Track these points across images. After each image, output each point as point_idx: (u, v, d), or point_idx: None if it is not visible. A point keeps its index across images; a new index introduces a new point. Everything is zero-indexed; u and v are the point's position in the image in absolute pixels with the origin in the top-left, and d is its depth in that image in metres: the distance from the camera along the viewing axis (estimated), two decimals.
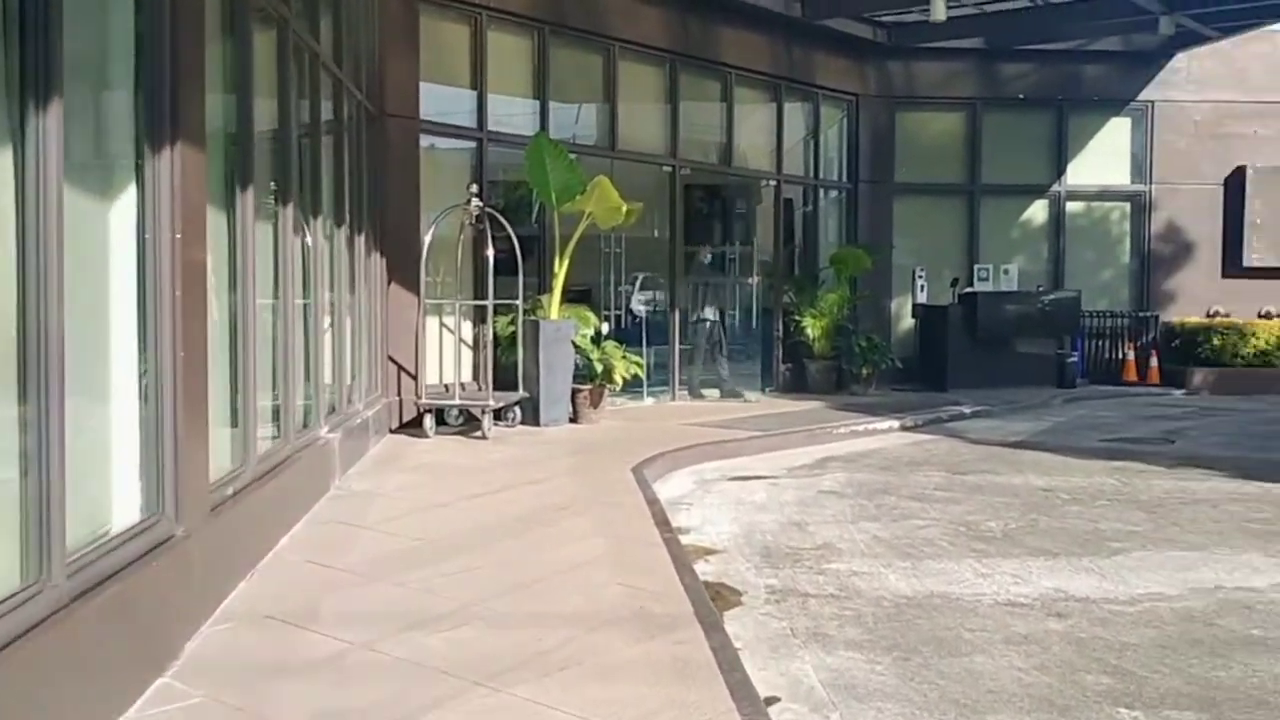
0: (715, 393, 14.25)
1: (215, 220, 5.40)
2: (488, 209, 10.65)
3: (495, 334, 11.21)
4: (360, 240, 9.55)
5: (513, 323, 11.15)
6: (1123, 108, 16.79)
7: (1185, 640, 4.95)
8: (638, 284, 14.78)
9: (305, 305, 7.44)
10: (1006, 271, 16.34)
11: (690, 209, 13.91)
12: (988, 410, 13.36)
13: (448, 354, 11.15)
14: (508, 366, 11.19)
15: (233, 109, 5.80)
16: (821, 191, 15.92)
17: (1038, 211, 16.97)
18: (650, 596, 5.04)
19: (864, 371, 14.52)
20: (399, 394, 10.61)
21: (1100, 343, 16.58)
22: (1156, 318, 16.63)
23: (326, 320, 8.15)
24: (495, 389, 10.91)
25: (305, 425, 7.27)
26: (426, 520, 6.63)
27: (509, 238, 10.60)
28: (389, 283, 10.50)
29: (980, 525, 7.21)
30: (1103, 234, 17.15)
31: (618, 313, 13.33)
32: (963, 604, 5.47)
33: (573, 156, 11.05)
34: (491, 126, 11.54)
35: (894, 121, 16.42)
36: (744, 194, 15.91)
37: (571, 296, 12.37)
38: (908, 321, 16.43)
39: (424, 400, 10.15)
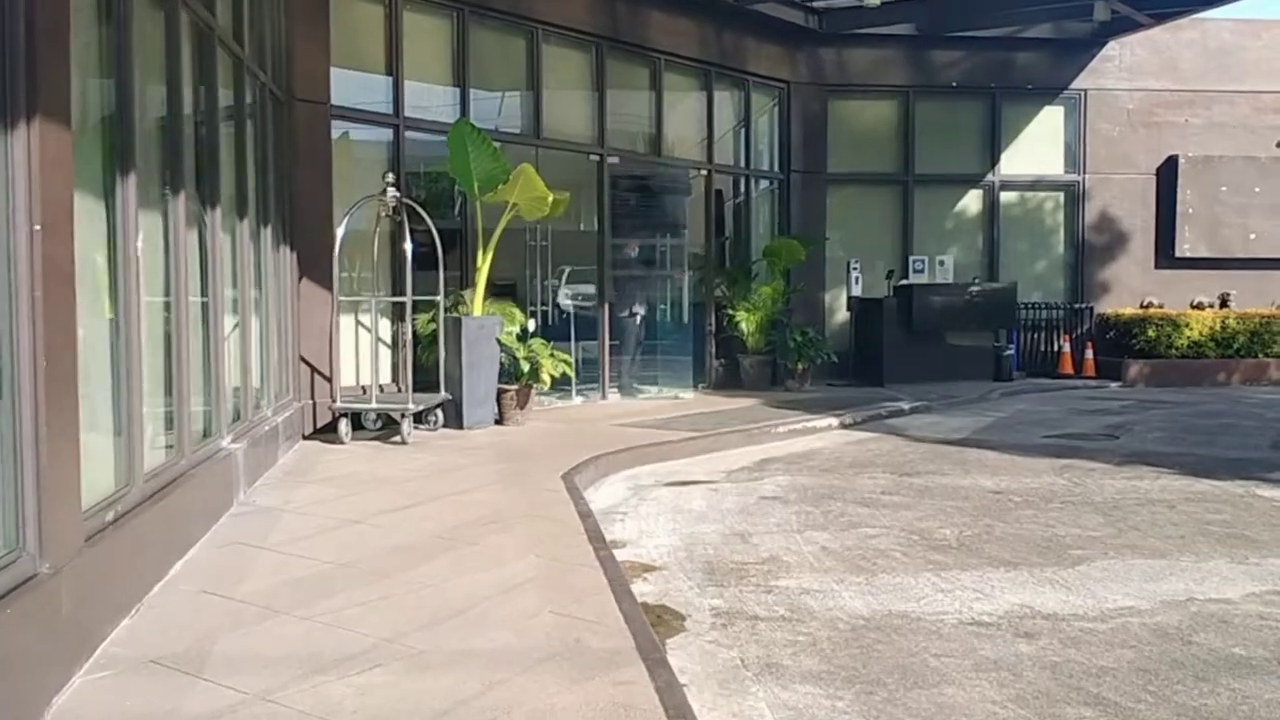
0: (648, 390, 13.79)
1: (89, 211, 4.79)
2: (405, 200, 10.05)
3: (415, 332, 10.63)
4: (267, 233, 8.92)
5: (434, 320, 10.59)
6: (1055, 96, 16.61)
7: (1165, 662, 4.56)
8: (564, 277, 14.22)
9: (204, 304, 6.82)
10: (942, 263, 16.08)
11: (619, 200, 13.38)
12: (927, 406, 13.04)
13: (365, 354, 10.54)
14: (429, 367, 10.64)
15: (111, 86, 5.17)
16: (753, 182, 15.51)
17: (972, 201, 16.73)
18: (586, 626, 4.54)
19: (799, 367, 14.14)
20: (313, 397, 9.98)
21: (1035, 335, 16.39)
22: (1091, 309, 16.48)
23: (230, 320, 7.52)
24: (416, 391, 10.33)
25: (205, 435, 6.65)
26: (338, 540, 6.05)
27: (429, 230, 10.02)
28: (300, 279, 9.86)
29: (934, 533, 6.80)
30: (1037, 224, 16.96)
31: (545, 308, 12.80)
32: (925, 625, 5.04)
33: (496, 145, 10.47)
34: (409, 113, 10.93)
35: (827, 110, 16.07)
36: (674, 184, 15.42)
37: (496, 291, 11.83)
38: (842, 315, 16.11)
39: (338, 404, 9.53)
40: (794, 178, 15.78)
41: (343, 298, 10.09)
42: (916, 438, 10.87)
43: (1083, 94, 16.55)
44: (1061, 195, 16.87)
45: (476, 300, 10.58)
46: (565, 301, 13.90)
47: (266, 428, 8.27)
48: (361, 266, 10.59)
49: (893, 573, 5.91)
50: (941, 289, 15.69)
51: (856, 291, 15.17)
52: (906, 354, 14.98)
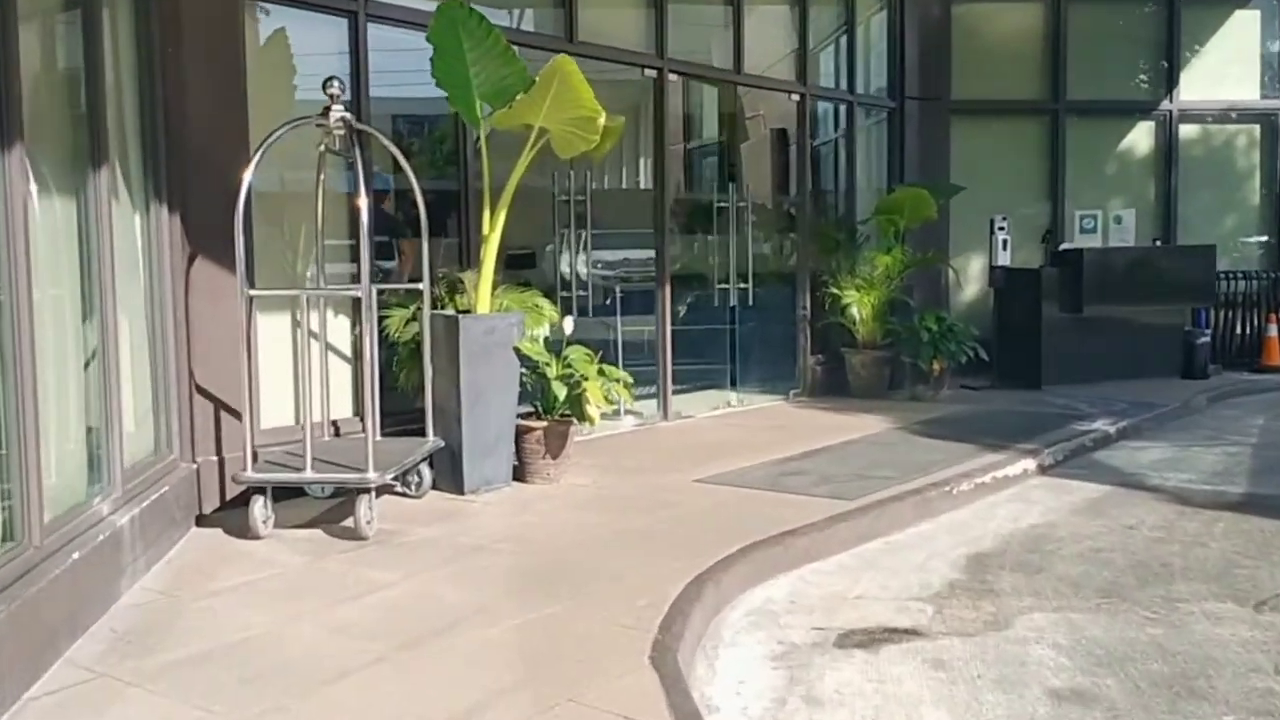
0: (721, 398, 9.91)
1: None
2: (361, 126, 6.14)
3: (387, 338, 6.75)
4: (131, 183, 5.07)
5: (415, 319, 6.70)
6: None
7: None
8: (582, 240, 10.06)
9: None
10: (1119, 220, 12.04)
11: (685, 135, 9.46)
12: (1133, 426, 9.07)
13: (307, 374, 6.65)
14: (409, 391, 6.78)
15: None
16: (857, 112, 11.44)
17: (1141, 138, 12.68)
18: None
19: (936, 367, 10.15)
20: (218, 450, 6.10)
21: (1228, 314, 12.35)
22: None
23: (49, 333, 3.74)
24: (388, 431, 6.48)
25: None
26: None
27: (403, 175, 6.15)
28: (191, 258, 5.96)
29: None
30: (1226, 167, 12.90)
31: (580, 294, 8.83)
32: None
33: (506, 44, 6.49)
34: None
35: (949, 15, 12.02)
36: (756, 114, 11.47)
37: (509, 264, 8.03)
38: (973, 291, 12.11)
39: (249, 474, 5.60)
40: (909, 106, 11.74)
41: (266, 287, 6.19)
42: (1175, 494, 6.94)
43: None
44: (1258, 128, 12.76)
45: (482, 288, 6.65)
46: (586, 271, 9.80)
47: (100, 539, 4.43)
48: (296, 234, 6.70)
49: None
50: (1119, 254, 11.67)
51: (1004, 260, 11.13)
52: (1071, 343, 11.00)
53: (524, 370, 6.76)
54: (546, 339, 7.00)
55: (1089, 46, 12.38)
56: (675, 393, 9.33)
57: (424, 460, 6.33)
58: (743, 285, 10.00)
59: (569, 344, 6.89)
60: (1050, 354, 10.95)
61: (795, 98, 10.59)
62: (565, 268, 9.41)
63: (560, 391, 6.62)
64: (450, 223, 7.63)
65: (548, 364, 6.69)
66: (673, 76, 9.16)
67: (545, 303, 7.20)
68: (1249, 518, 6.32)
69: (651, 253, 9.45)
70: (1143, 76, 12.58)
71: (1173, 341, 11.64)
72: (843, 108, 11.35)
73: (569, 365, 6.74)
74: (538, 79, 6.00)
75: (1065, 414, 9.43)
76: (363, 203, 5.50)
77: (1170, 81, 12.46)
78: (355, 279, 6.82)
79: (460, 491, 6.44)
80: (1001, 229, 11.12)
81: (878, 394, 10.45)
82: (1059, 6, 12.23)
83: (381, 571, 4.94)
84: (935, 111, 11.93)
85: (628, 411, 8.71)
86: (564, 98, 6.09)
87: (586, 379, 6.63)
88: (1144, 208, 12.49)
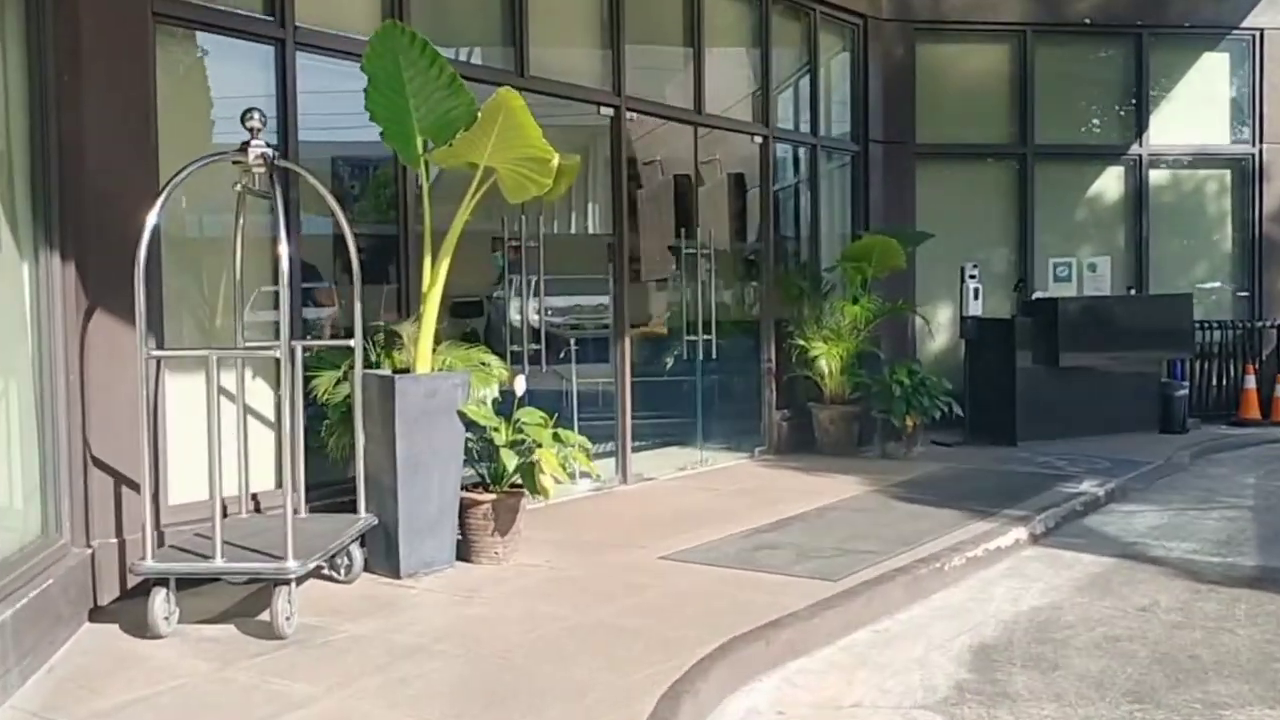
0: (682, 454, 9.29)
1: None
2: (285, 163, 5.48)
3: (314, 401, 6.04)
4: (18, 229, 4.38)
5: (346, 379, 5.99)
6: (1222, 38, 12.19)
7: None
8: (532, 286, 9.42)
9: None
10: (1093, 267, 11.58)
11: (642, 179, 8.89)
12: (1119, 486, 8.52)
13: (219, 445, 5.92)
14: (340, 460, 6.07)
15: None
16: (820, 155, 10.92)
17: (1110, 183, 12.26)
18: None
19: (909, 423, 9.57)
20: (119, 531, 5.35)
21: (1204, 365, 11.91)
22: (1277, 328, 12.03)
23: None
24: (316, 504, 5.80)
25: None
26: None
27: (331, 216, 5.49)
28: (89, 312, 5.23)
29: None
30: (1196, 213, 12.51)
31: (533, 347, 8.15)
32: None
33: (453, 72, 5.85)
34: (303, 21, 6.31)
35: (915, 56, 11.58)
36: (712, 158, 10.92)
37: (453, 312, 7.37)
38: (941, 341, 11.61)
39: (150, 561, 4.83)
40: (873, 150, 11.26)
41: (167, 351, 5.49)
42: (1183, 568, 6.36)
43: (1257, 35, 12.14)
44: (1229, 173, 12.42)
45: (422, 344, 5.95)
46: (539, 318, 9.15)
47: None
48: (214, 285, 6.00)
49: None
50: (1096, 304, 11.20)
51: (975, 309, 10.61)
52: (1046, 397, 10.49)
53: (470, 436, 6.07)
54: (495, 400, 6.32)
55: (1057, 89, 12.01)
56: (635, 449, 8.68)
57: (355, 540, 5.61)
58: (706, 336, 9.38)
59: (520, 404, 6.20)
60: (1025, 408, 10.42)
61: (758, 140, 10.05)
62: (515, 315, 8.77)
63: (510, 461, 5.93)
64: (389, 270, 6.94)
65: (496, 429, 6.00)
66: (631, 115, 8.56)
67: (494, 360, 6.52)
68: (1272, 596, 5.74)
69: (607, 299, 8.82)
70: (1112, 120, 12.19)
71: (1149, 394, 11.17)
72: (804, 151, 10.81)
73: (521, 430, 6.05)
74: (480, 113, 5.34)
75: (1047, 474, 8.88)
76: (284, 249, 4.80)
77: (1140, 125, 12.09)
78: (276, 331, 6.13)
79: (396, 575, 5.72)
80: (973, 277, 10.61)
81: (847, 451, 9.86)
82: (1025, 48, 11.83)
83: (300, 683, 4.21)
84: (900, 155, 11.47)
85: (583, 474, 8.02)
86: (510, 135, 5.43)
87: (540, 445, 5.94)
88: (1114, 255, 12.06)
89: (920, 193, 11.58)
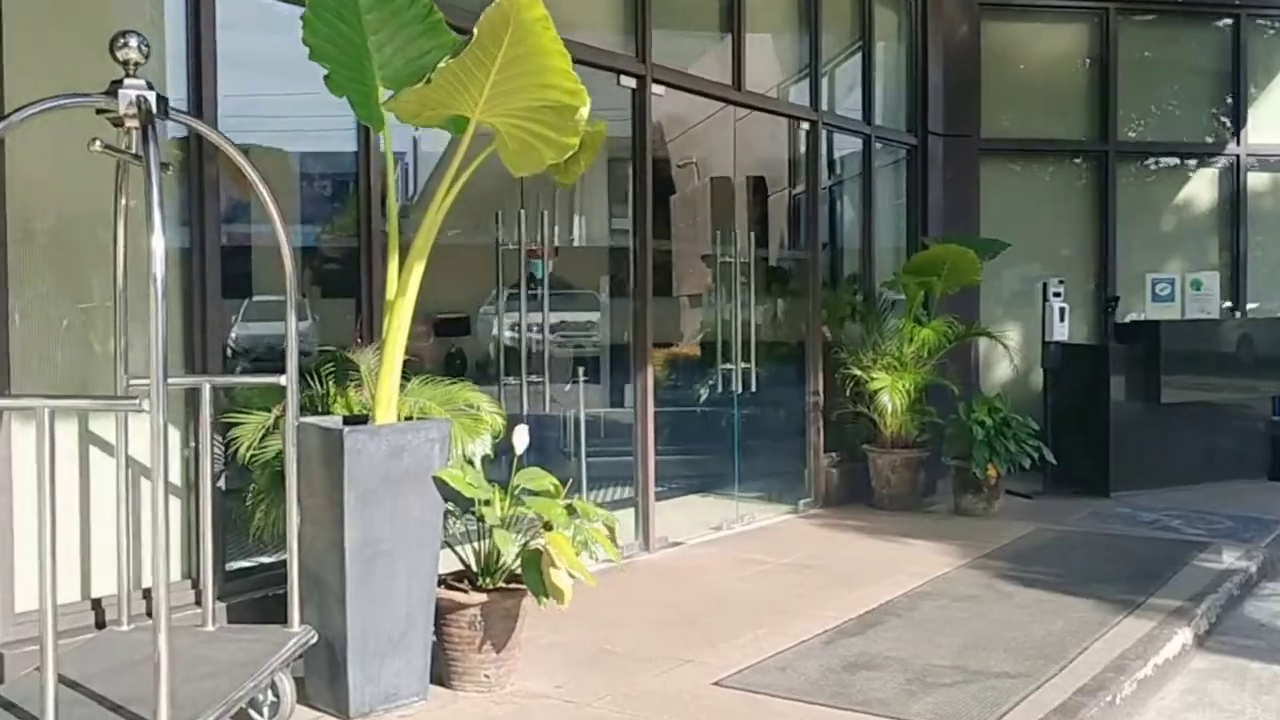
0: (721, 511, 7.57)
1: None
2: (180, 116, 3.76)
3: (235, 457, 4.32)
4: None
5: (276, 431, 4.27)
6: None
7: None
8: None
9: None
10: (1197, 285, 9.84)
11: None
12: (1268, 558, 6.80)
13: (97, 521, 4.21)
14: (271, 539, 4.35)
15: None
16: (873, 148, 9.19)
17: (1202, 187, 10.54)
18: None
19: (992, 473, 7.83)
20: None
21: None
22: None
23: None
24: (237, 598, 4.09)
25: None
26: None
27: (250, 190, 3.78)
28: None
29: None
30: None
31: (533, 379, 6.38)
32: None
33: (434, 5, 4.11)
34: None
35: (980, 37, 9.88)
36: (688, 161, 9.28)
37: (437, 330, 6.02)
38: (1004, 371, 9.86)
39: None
40: (932, 144, 9.56)
41: (31, 384, 3.75)
42: None
43: None
44: None
45: (384, 379, 4.18)
46: (541, 338, 7.32)
47: None
48: (85, 290, 4.27)
49: None
50: (1204, 328, 9.49)
51: (1061, 333, 8.89)
52: (1143, 438, 8.78)
53: (451, 508, 4.32)
54: (487, 457, 4.58)
55: (1143, 78, 10.32)
56: (657, 497, 6.93)
57: (283, 664, 3.85)
58: (745, 363, 7.65)
59: (520, 465, 4.45)
60: (1121, 452, 8.70)
61: (804, 126, 8.33)
62: (509, 333, 7.05)
63: (509, 547, 4.17)
64: (345, 279, 5.22)
65: (488, 502, 4.25)
66: (658, 89, 6.83)
67: (483, 399, 4.76)
68: None
69: (621, 318, 7.12)
70: (1205, 114, 10.49)
71: (1254, 433, 9.46)
72: (856, 143, 9.09)
73: (522, 503, 4.30)
74: (474, 32, 3.56)
75: (1169, 539, 7.18)
76: (156, 244, 3.04)
77: (1238, 120, 10.39)
78: (191, 364, 4.41)
79: (345, 713, 3.96)
80: (1057, 295, 8.90)
81: (910, 505, 8.14)
82: (1107, 29, 10.14)
83: None
84: (963, 151, 9.77)
85: (605, 559, 6.26)
86: (521, 69, 3.64)
87: (551, 527, 4.19)
88: (1205, 269, 10.34)
89: (983, 193, 9.89)
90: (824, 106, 8.50)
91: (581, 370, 7.25)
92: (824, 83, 8.61)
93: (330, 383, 4.49)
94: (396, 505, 4.03)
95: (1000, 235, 9.14)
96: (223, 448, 4.45)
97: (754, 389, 7.74)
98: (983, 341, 9.60)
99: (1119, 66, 10.18)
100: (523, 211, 6.18)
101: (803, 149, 8.43)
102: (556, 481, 4.41)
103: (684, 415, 8.54)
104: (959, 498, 8.06)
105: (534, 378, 6.34)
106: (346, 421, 4.24)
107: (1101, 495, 8.60)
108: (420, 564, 4.14)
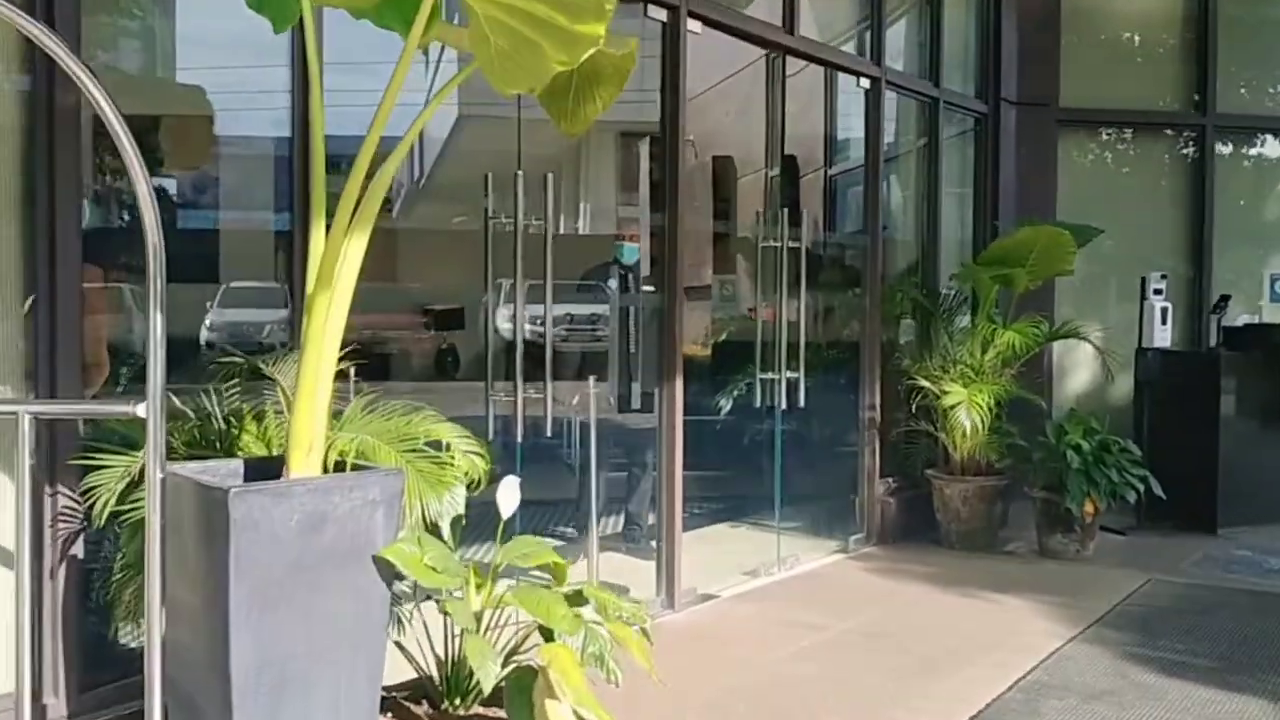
0: (759, 551, 6.20)
1: None
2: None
3: (90, 520, 2.93)
4: None
5: (136, 492, 2.88)
6: None
7: None
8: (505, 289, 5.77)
9: None
10: None
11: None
12: None
13: None
14: (141, 638, 2.96)
15: None
16: (939, 115, 7.76)
17: None
18: None
19: (1090, 508, 6.42)
20: None
21: None
22: None
23: None
24: (100, 713, 2.66)
25: None
26: None
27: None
28: None
29: None
30: None
31: (532, 394, 4.96)
32: None
33: None
34: None
35: None
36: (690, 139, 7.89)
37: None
38: (1080, 380, 8.48)
39: None
40: (1004, 114, 8.16)
41: None
42: None
43: None
44: None
45: (299, 417, 2.78)
46: (506, 325, 5.74)
47: None
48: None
49: None
50: None
51: (1163, 338, 7.48)
52: (1256, 464, 7.38)
53: (399, 602, 2.94)
54: (459, 518, 3.19)
55: (1246, 41, 8.88)
56: (684, 527, 5.55)
57: None
58: (791, 373, 6.24)
59: (506, 534, 3.06)
60: (1231, 481, 7.30)
61: (864, 83, 6.91)
62: (503, 326, 5.66)
63: (487, 668, 2.77)
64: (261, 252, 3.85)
65: (456, 595, 2.85)
66: (694, 25, 5.42)
67: (451, 432, 3.35)
68: None
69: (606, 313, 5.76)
70: None
71: None
72: (923, 108, 7.68)
73: (507, 599, 2.91)
74: None
75: None
76: None
77: None
78: (39, 380, 3.06)
79: None
80: (1158, 293, 7.49)
81: (984, 544, 6.76)
82: None
83: None
84: (1039, 122, 8.36)
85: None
86: None
87: (550, 637, 2.80)
88: None
89: (1062, 172, 8.49)
90: (889, 63, 7.09)
91: (592, 376, 5.85)
92: (887, 37, 7.20)
93: (229, 412, 3.10)
94: (315, 604, 2.65)
95: (1076, 219, 7.71)
96: (78, 502, 3.08)
97: (800, 403, 6.34)
98: (1056, 346, 8.19)
99: (1219, 26, 8.73)
100: (520, 173, 4.77)
101: (862, 112, 7.02)
102: (559, 559, 3.01)
103: (712, 427, 7.21)
104: (1045, 536, 6.65)
105: (534, 392, 4.92)
106: (249, 471, 2.85)
107: (1208, 532, 7.20)
108: (353, 689, 2.76)
